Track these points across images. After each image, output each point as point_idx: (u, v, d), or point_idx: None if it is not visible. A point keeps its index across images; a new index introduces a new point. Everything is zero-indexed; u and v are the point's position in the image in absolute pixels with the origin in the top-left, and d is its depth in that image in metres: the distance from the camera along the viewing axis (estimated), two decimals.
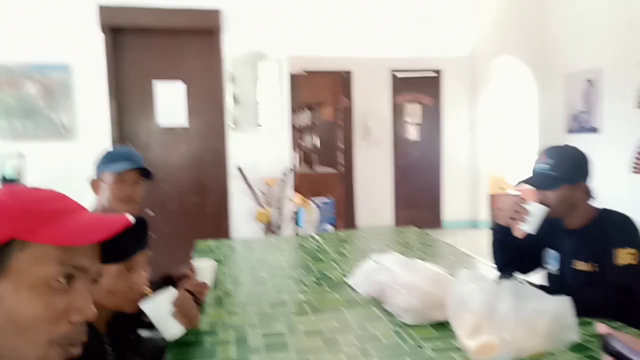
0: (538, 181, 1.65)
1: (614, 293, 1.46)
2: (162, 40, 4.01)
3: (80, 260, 0.61)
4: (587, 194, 1.65)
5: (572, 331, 1.22)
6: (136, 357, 1.49)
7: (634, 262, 1.48)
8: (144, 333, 1.68)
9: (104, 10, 3.72)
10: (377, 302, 1.58)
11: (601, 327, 1.09)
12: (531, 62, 5.18)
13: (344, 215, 4.87)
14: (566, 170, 1.62)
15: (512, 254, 1.82)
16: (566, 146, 1.73)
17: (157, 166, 3.83)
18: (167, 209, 4.03)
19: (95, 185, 1.73)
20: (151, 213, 3.88)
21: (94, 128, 3.72)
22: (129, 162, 1.71)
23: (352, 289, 1.73)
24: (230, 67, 3.97)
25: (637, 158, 3.67)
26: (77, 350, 0.63)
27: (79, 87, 3.72)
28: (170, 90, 4.01)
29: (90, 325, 1.07)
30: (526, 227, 1.66)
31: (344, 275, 1.88)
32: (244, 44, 3.97)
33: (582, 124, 4.37)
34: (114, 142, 3.78)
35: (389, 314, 1.48)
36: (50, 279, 0.58)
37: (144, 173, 1.75)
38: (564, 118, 4.57)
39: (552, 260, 1.74)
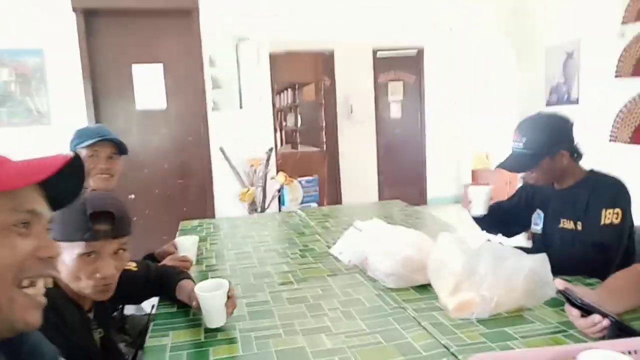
0: (516, 163, 1.62)
1: (592, 251, 1.49)
2: (138, 21, 3.93)
3: (30, 204, 0.62)
4: (572, 157, 1.62)
5: (549, 287, 1.25)
6: (120, 333, 1.49)
7: (616, 221, 1.50)
8: (128, 310, 1.69)
9: None
10: (360, 269, 1.59)
11: (558, 282, 1.11)
12: (511, 36, 5.20)
13: (328, 193, 4.88)
14: (542, 144, 1.57)
15: (498, 217, 1.85)
16: (539, 116, 1.68)
17: (138, 150, 3.78)
18: (150, 192, 4.00)
19: None
20: (132, 197, 3.84)
21: (69, 112, 3.65)
22: (99, 135, 1.69)
23: (336, 259, 1.74)
24: (209, 49, 3.91)
25: (615, 127, 3.73)
26: (48, 283, 0.65)
27: (53, 71, 3.64)
28: (148, 72, 3.94)
29: (76, 305, 1.06)
30: (475, 210, 1.71)
31: (328, 247, 1.90)
32: (222, 24, 3.90)
33: (561, 96, 4.41)
34: (90, 125, 3.72)
35: (372, 279, 1.50)
36: (8, 225, 0.60)
37: (119, 147, 1.72)
38: (544, 90, 4.61)
39: (539, 220, 1.75)
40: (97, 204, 1.05)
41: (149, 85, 3.95)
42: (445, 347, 1.06)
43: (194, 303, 1.20)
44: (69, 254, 1.02)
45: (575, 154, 1.63)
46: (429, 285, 1.37)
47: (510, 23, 5.19)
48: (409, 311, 1.26)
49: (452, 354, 1.02)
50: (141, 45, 3.92)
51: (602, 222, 1.51)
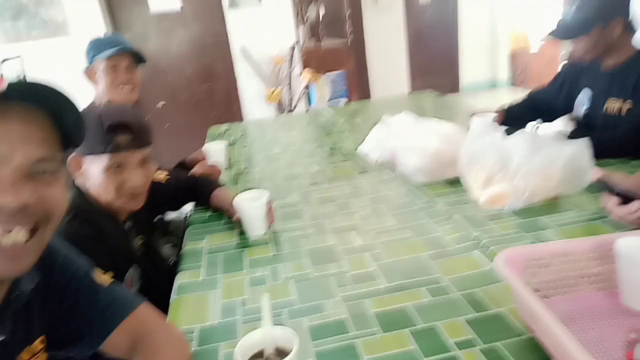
0: (564, 30, 1.48)
1: (636, 131, 1.40)
2: None
3: None
4: (626, 30, 1.46)
5: (588, 173, 1.19)
6: (166, 236, 1.57)
7: None
8: (170, 216, 1.76)
9: None
10: (390, 167, 1.57)
11: (594, 172, 1.05)
12: None
13: (357, 88, 4.72)
14: (595, 8, 1.43)
15: (536, 108, 1.75)
16: None
17: (159, 56, 3.70)
18: (177, 98, 3.99)
19: (90, 74, 1.67)
20: (162, 103, 3.85)
21: (85, 21, 3.54)
22: (118, 45, 1.62)
23: (365, 157, 1.72)
24: None
25: None
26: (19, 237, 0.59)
27: None
28: None
29: (112, 216, 1.10)
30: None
31: (357, 145, 1.86)
32: None
33: None
34: (107, 33, 3.62)
35: (402, 176, 1.48)
36: None
37: (137, 57, 1.66)
38: None
39: (587, 100, 1.63)
40: (114, 116, 1.03)
41: None
42: (476, 239, 1.05)
43: (235, 216, 1.21)
44: (95, 168, 1.03)
45: (630, 27, 1.47)
46: (460, 179, 1.34)
47: None
48: (439, 205, 1.25)
49: (484, 245, 1.02)
50: None
51: None
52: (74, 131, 0.62)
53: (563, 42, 1.55)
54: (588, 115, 1.61)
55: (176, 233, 1.70)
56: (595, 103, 1.58)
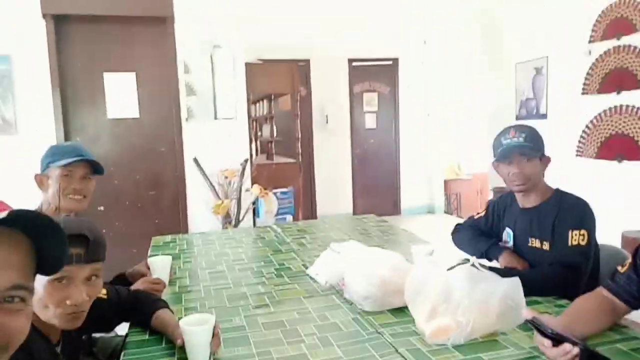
0: (517, 151, 1.62)
1: (561, 272, 1.53)
2: (111, 28, 3.85)
3: None
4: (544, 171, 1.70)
5: (522, 311, 1.27)
6: (89, 357, 1.44)
7: (583, 242, 1.55)
8: (97, 334, 1.63)
9: None
10: (337, 291, 1.59)
11: (526, 313, 1.14)
12: (484, 50, 5.32)
13: (303, 205, 4.87)
14: (538, 143, 1.65)
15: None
16: (529, 125, 1.74)
17: (108, 159, 3.69)
18: (120, 204, 3.91)
19: (40, 180, 1.64)
20: (102, 208, 3.74)
21: (37, 121, 3.54)
22: (77, 155, 1.63)
23: (312, 279, 1.73)
24: (184, 56, 3.86)
25: (581, 142, 3.86)
26: None
27: (20, 78, 3.53)
28: (120, 80, 3.86)
29: (44, 337, 1.02)
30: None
31: (304, 266, 1.89)
32: (197, 32, 3.86)
33: (530, 110, 4.54)
34: (59, 135, 3.62)
35: (348, 302, 1.50)
36: None
37: (94, 168, 1.67)
38: (514, 104, 4.73)
39: (509, 238, 1.79)
40: (71, 226, 1.01)
41: (121, 93, 3.87)
42: None
43: (179, 340, 1.16)
44: (38, 280, 0.98)
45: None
46: (405, 308, 1.38)
47: (482, 38, 5.32)
48: (385, 336, 1.26)
49: None
50: (114, 53, 3.84)
51: (570, 243, 1.56)
52: (54, 262, 0.62)
53: (502, 168, 1.70)
54: (515, 251, 1.75)
55: (100, 355, 1.57)
56: (520, 241, 1.74)
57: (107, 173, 1.80)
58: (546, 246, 1.64)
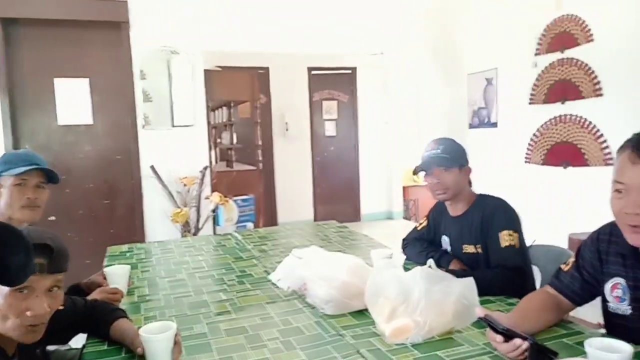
0: (434, 162, 1.75)
1: (508, 274, 1.60)
2: (63, 32, 3.73)
3: None
4: (469, 180, 1.81)
5: (475, 309, 1.33)
6: None
7: (514, 243, 1.64)
8: (51, 347, 1.57)
9: None
10: (299, 296, 1.61)
11: (478, 310, 1.20)
12: (438, 61, 5.51)
13: (264, 212, 4.85)
14: (455, 154, 1.77)
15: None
16: (449, 138, 1.86)
17: (60, 167, 3.55)
18: (73, 213, 3.77)
19: None
20: (53, 218, 3.60)
21: None
22: (30, 164, 1.57)
23: (274, 285, 1.74)
24: (140, 62, 3.79)
25: (529, 150, 4.05)
26: None
27: None
28: (73, 86, 3.74)
29: (0, 350, 0.98)
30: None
31: (266, 272, 1.89)
32: (153, 37, 3.80)
33: (482, 119, 4.73)
34: (7, 141, 3.47)
35: (310, 306, 1.52)
36: None
37: (48, 176, 1.62)
38: (467, 113, 4.92)
39: (447, 245, 1.88)
40: (35, 236, 0.98)
41: (73, 100, 3.74)
42: None
43: (138, 349, 1.14)
44: None
45: (470, 182, 1.82)
46: (365, 310, 1.41)
47: (436, 50, 5.50)
48: (347, 338, 1.29)
49: None
50: (65, 58, 3.72)
51: (502, 245, 1.64)
52: (17, 271, 0.60)
53: (425, 178, 1.81)
54: (454, 256, 1.82)
55: None
56: (455, 247, 1.82)
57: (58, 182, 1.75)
58: (479, 249, 1.73)
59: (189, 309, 1.54)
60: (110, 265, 1.88)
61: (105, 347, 1.28)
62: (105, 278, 1.69)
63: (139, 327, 1.19)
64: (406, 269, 1.47)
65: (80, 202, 3.79)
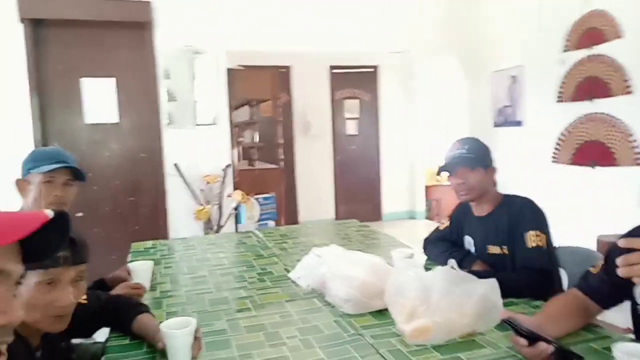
0: (459, 162, 1.72)
1: (535, 276, 1.57)
2: (90, 33, 3.82)
3: (1, 263, 0.57)
4: (494, 180, 1.77)
5: (499, 311, 1.30)
6: None
7: (541, 244, 1.59)
8: (76, 341, 1.61)
9: (24, 1, 3.47)
10: (318, 294, 1.60)
11: (502, 313, 1.17)
12: (461, 59, 5.42)
13: (285, 210, 4.87)
14: (480, 154, 1.74)
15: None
16: (474, 137, 1.84)
17: (87, 164, 3.63)
18: (99, 210, 3.86)
19: (21, 185, 1.62)
20: (80, 214, 3.69)
21: (14, 126, 3.48)
22: (59, 161, 1.61)
23: (294, 283, 1.74)
24: (164, 62, 3.84)
25: (557, 149, 3.96)
26: (3, 352, 0.59)
27: None
28: (99, 85, 3.82)
29: (25, 343, 1.01)
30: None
31: (286, 270, 1.90)
32: (177, 37, 3.85)
33: (507, 118, 4.64)
34: (36, 139, 3.56)
35: (330, 305, 1.51)
36: None
37: (76, 174, 1.65)
38: (491, 112, 4.83)
39: (471, 247, 1.84)
40: None
41: (99, 99, 3.83)
42: None
43: (159, 344, 1.16)
44: (24, 283, 0.97)
45: (495, 182, 1.78)
46: (385, 310, 1.40)
47: (460, 48, 5.42)
48: (366, 338, 1.28)
49: None
50: (92, 58, 3.81)
51: (529, 245, 1.60)
52: (52, 253, 0.63)
53: (450, 179, 1.78)
54: (479, 258, 1.79)
55: None
56: (479, 249, 1.78)
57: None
58: (505, 250, 1.69)
59: (210, 306, 1.56)
60: (134, 260, 1.92)
61: (128, 341, 1.30)
62: (129, 273, 1.72)
63: (161, 322, 1.21)
64: (427, 270, 1.45)
65: (106, 199, 3.88)
